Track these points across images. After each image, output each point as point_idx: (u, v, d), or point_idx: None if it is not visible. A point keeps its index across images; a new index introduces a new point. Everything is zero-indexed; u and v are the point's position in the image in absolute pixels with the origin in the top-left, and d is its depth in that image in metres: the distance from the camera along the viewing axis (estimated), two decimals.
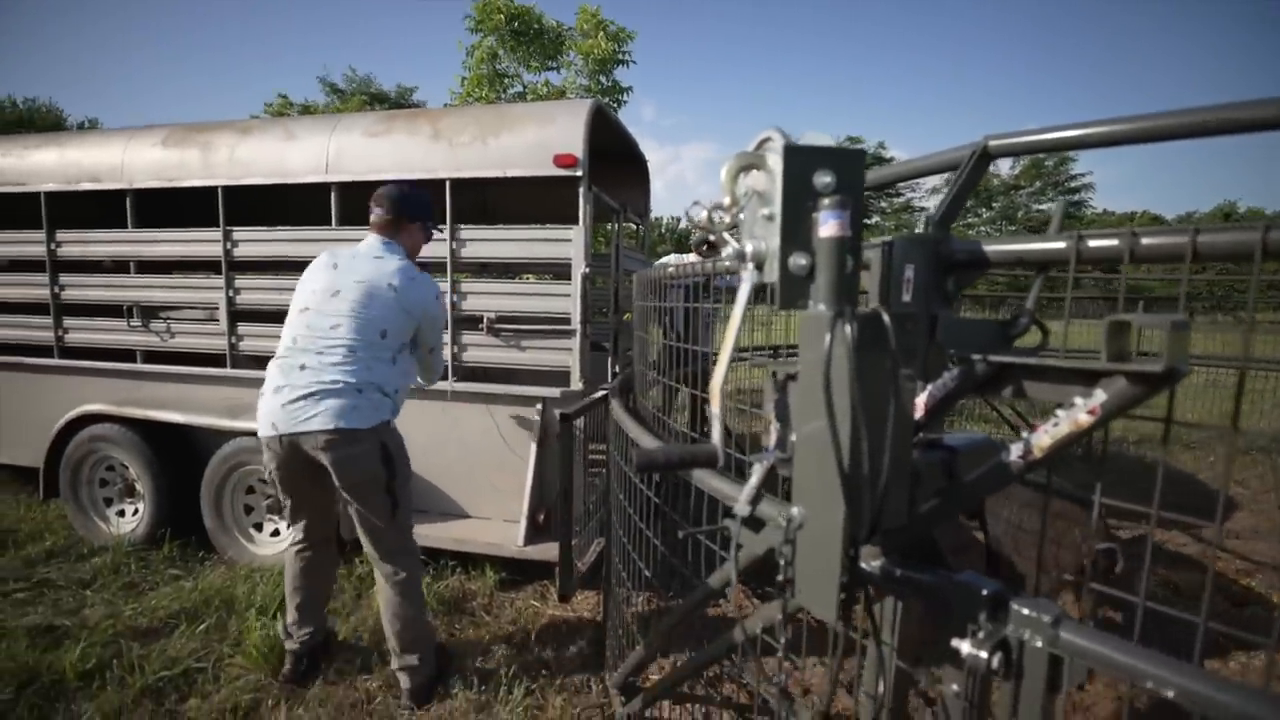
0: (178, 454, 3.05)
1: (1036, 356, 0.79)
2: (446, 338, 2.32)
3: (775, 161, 0.73)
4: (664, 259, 4.67)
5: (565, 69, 9.05)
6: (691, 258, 4.49)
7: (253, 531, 2.97)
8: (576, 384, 2.69)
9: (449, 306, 2.74)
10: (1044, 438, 0.72)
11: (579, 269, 2.61)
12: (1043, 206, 37.44)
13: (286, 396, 1.87)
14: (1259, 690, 0.58)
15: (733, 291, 1.57)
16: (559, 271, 2.70)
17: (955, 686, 0.80)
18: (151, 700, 1.99)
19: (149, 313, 3.20)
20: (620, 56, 8.76)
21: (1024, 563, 2.27)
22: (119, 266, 3.34)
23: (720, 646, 1.26)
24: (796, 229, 0.72)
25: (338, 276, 1.96)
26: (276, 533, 2.98)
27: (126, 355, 3.24)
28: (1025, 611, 0.70)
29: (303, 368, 1.89)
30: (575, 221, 2.63)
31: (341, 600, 2.60)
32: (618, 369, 2.99)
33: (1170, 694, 0.61)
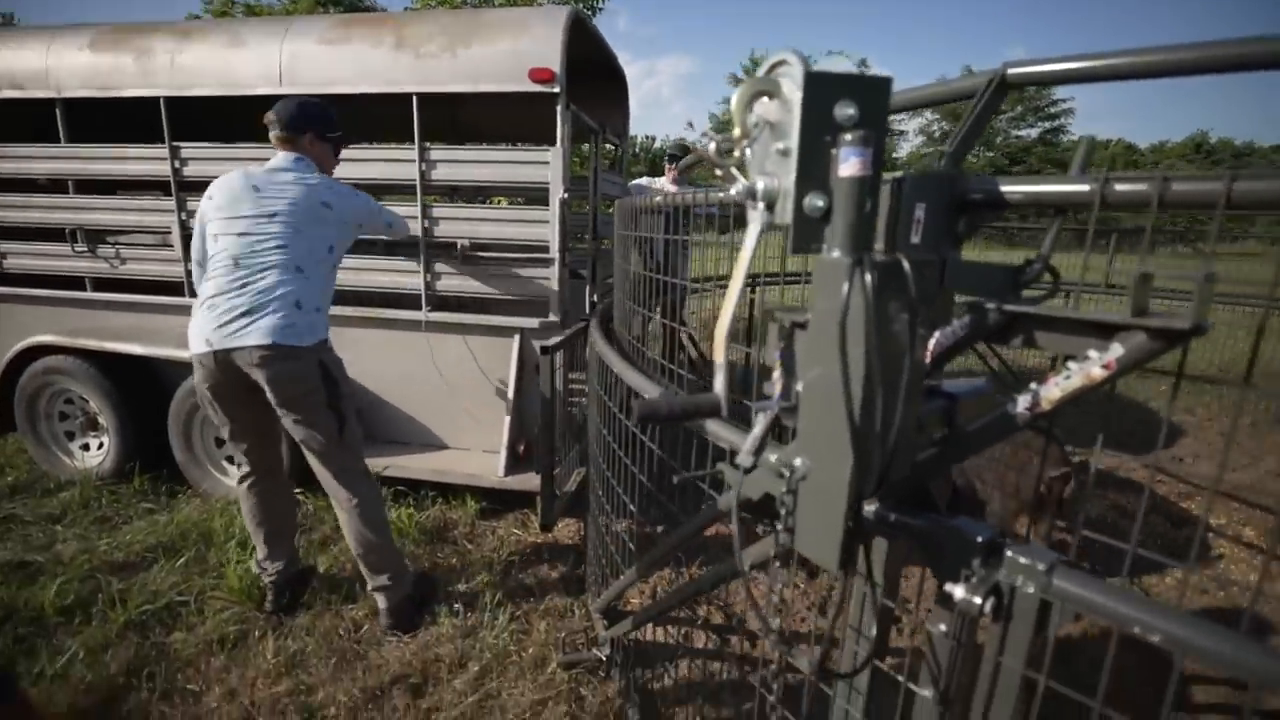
0: (140, 386, 2.93)
1: (1047, 305, 0.77)
2: (393, 217, 2.34)
3: (792, 90, 0.67)
4: (637, 181, 4.53)
5: None
6: (663, 181, 4.36)
7: (225, 464, 2.92)
8: (555, 314, 2.63)
9: (421, 231, 2.62)
10: (1054, 390, 0.71)
11: (557, 193, 2.49)
12: (1021, 133, 37.03)
13: (222, 310, 1.85)
14: (1236, 633, 0.60)
15: (711, 219, 1.53)
16: (535, 196, 2.58)
17: (944, 626, 0.82)
18: (136, 634, 2.00)
19: (95, 237, 2.99)
20: None
21: (985, 489, 2.37)
22: (57, 186, 3.09)
23: (708, 580, 1.29)
24: (814, 166, 0.67)
25: (266, 199, 1.93)
26: None
27: (75, 283, 3.05)
28: (1021, 559, 0.71)
29: (243, 286, 1.87)
30: (552, 142, 2.48)
31: (321, 533, 2.61)
32: (595, 298, 2.93)
33: (1155, 638, 0.62)
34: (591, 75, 3.32)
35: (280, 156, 2.02)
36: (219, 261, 1.91)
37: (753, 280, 3.13)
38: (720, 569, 1.23)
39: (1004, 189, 0.80)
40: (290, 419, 1.92)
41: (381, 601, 2.07)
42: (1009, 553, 0.72)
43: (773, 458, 0.91)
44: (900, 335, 0.66)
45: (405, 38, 2.51)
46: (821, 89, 0.65)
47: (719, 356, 0.73)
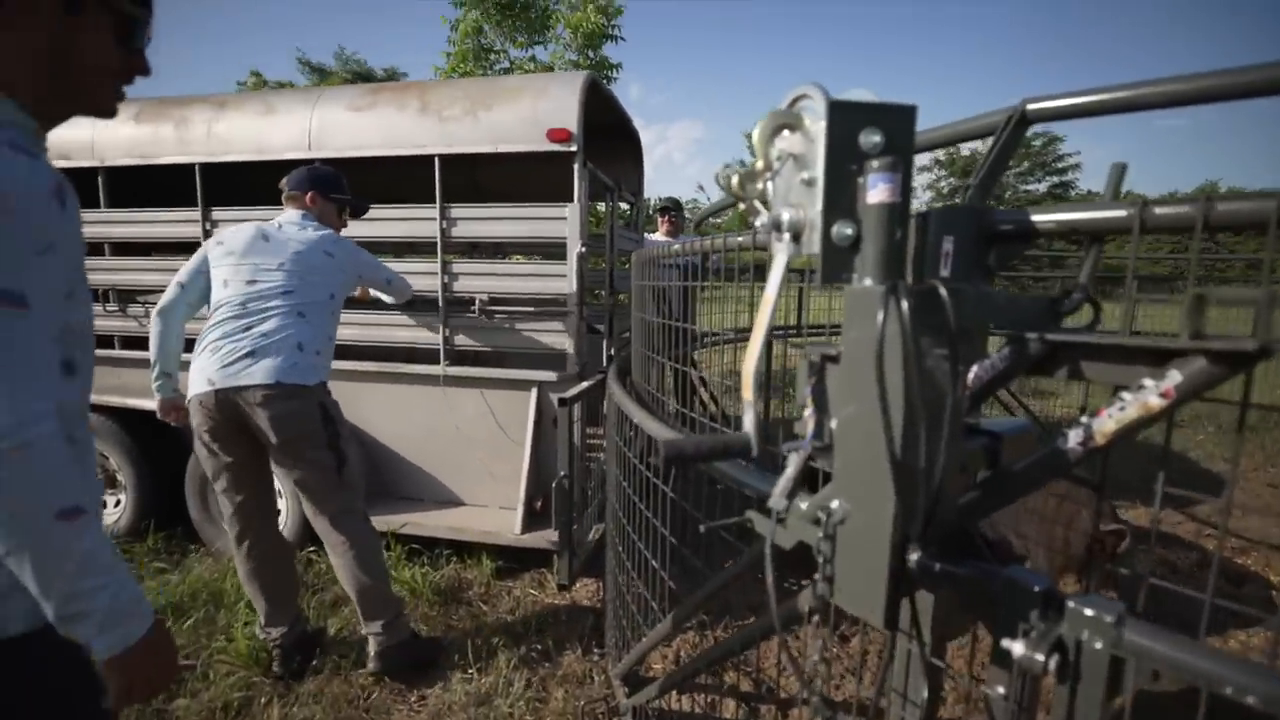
0: (159, 443, 2.94)
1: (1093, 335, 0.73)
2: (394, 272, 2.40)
3: (814, 121, 0.66)
4: (648, 236, 4.60)
5: (554, 43, 8.83)
6: (658, 235, 4.43)
7: None
8: (573, 367, 2.62)
9: (440, 287, 2.65)
10: (1108, 422, 0.66)
11: (574, 248, 2.53)
12: (1030, 187, 37.49)
13: (225, 351, 1.89)
14: None
15: (719, 273, 1.52)
16: (552, 251, 2.61)
17: (1001, 689, 0.75)
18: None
19: (126, 296, 3.07)
20: (609, 31, 8.54)
21: (1024, 543, 2.25)
22: (93, 249, 3.20)
23: (737, 641, 1.21)
24: (840, 195, 0.65)
25: (274, 248, 2.03)
26: None
27: (104, 341, 3.11)
28: (1086, 611, 0.65)
29: (246, 329, 1.92)
30: (570, 199, 2.54)
31: (332, 594, 2.53)
32: (612, 352, 2.92)
33: (1251, 700, 0.56)
34: (607, 136, 3.43)
35: (289, 212, 2.16)
36: (226, 308, 1.96)
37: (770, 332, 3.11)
38: (750, 630, 1.16)
39: (1035, 218, 0.77)
40: (289, 460, 1.93)
41: (372, 646, 2.04)
42: (1070, 604, 0.66)
43: (804, 505, 0.86)
44: (940, 364, 0.63)
45: (429, 103, 2.62)
46: (846, 117, 0.64)
47: (748, 393, 0.70)
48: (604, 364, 2.86)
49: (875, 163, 0.63)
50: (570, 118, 2.45)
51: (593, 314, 2.99)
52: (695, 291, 1.60)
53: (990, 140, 0.95)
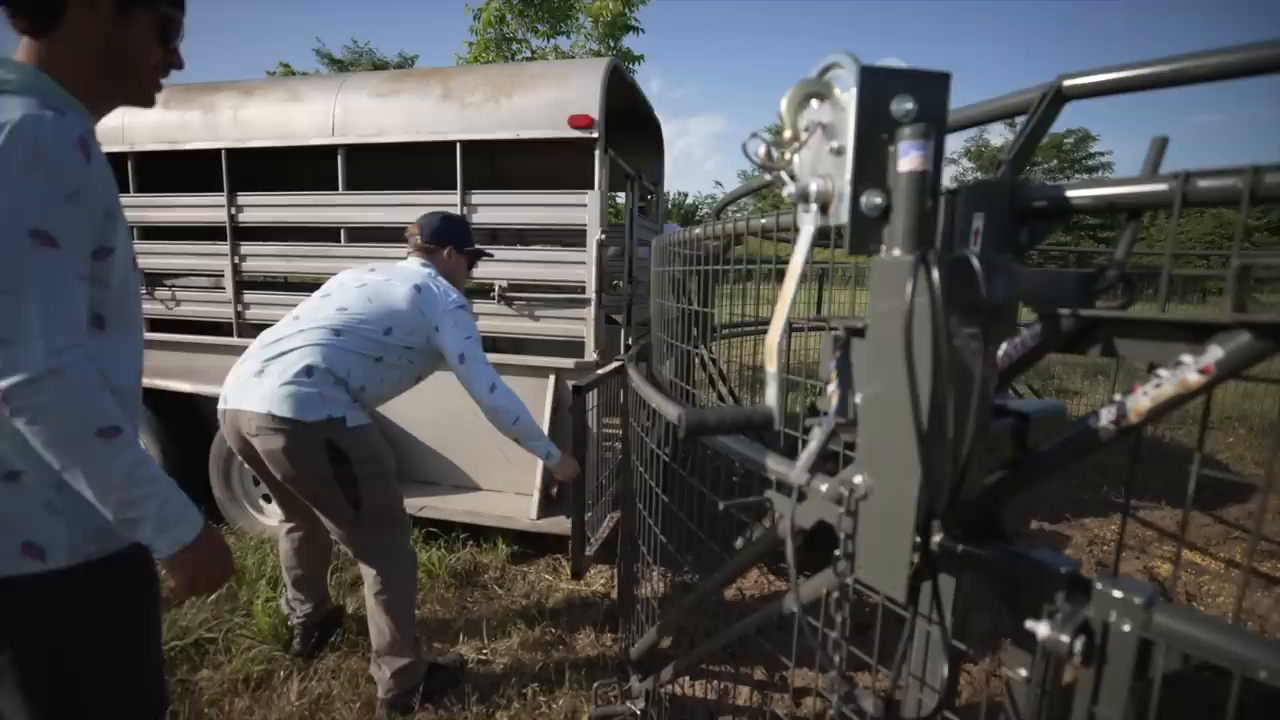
0: (185, 424, 3.00)
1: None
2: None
3: (844, 90, 0.65)
4: (669, 225, 4.58)
5: (575, 32, 8.81)
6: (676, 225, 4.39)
7: (262, 502, 2.94)
8: (591, 355, 2.62)
9: None
10: (1143, 400, 0.64)
11: (594, 235, 2.52)
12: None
13: (246, 365, 1.71)
14: None
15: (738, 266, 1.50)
16: (572, 239, 2.61)
17: (1024, 671, 0.74)
18: (165, 670, 1.96)
19: (154, 280, 3.13)
20: (630, 22, 8.51)
21: None
22: None
23: (752, 623, 1.21)
24: (870, 163, 0.64)
25: (368, 273, 1.89)
26: None
27: None
28: (1114, 593, 0.63)
29: (275, 340, 1.73)
30: (590, 186, 2.53)
31: (351, 573, 2.57)
32: (630, 341, 2.92)
33: None
34: (628, 125, 3.42)
35: (412, 261, 1.98)
36: (285, 320, 1.82)
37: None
38: (767, 610, 1.15)
39: (1070, 193, 0.75)
40: (301, 493, 1.74)
41: (381, 689, 1.82)
42: (1099, 585, 0.65)
43: (823, 488, 0.85)
44: (970, 339, 0.61)
45: (452, 89, 2.63)
46: (878, 83, 0.63)
47: (771, 365, 0.69)
48: (622, 353, 2.86)
49: (907, 130, 0.62)
50: (592, 103, 2.45)
51: (611, 303, 2.99)
52: (712, 279, 1.59)
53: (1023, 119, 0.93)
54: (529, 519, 2.60)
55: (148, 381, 2.92)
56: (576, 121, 2.45)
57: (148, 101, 0.98)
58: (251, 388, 1.65)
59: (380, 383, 1.80)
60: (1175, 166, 0.66)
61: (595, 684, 1.92)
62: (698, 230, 1.63)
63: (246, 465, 1.83)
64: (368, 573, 1.80)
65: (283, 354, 1.67)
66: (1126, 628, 0.63)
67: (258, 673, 1.96)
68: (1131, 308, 0.73)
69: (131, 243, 0.98)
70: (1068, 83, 0.90)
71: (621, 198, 4.10)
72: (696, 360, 3.18)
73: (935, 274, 0.58)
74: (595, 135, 2.46)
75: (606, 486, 2.76)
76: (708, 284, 1.87)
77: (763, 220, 1.31)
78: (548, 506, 2.64)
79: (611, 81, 2.55)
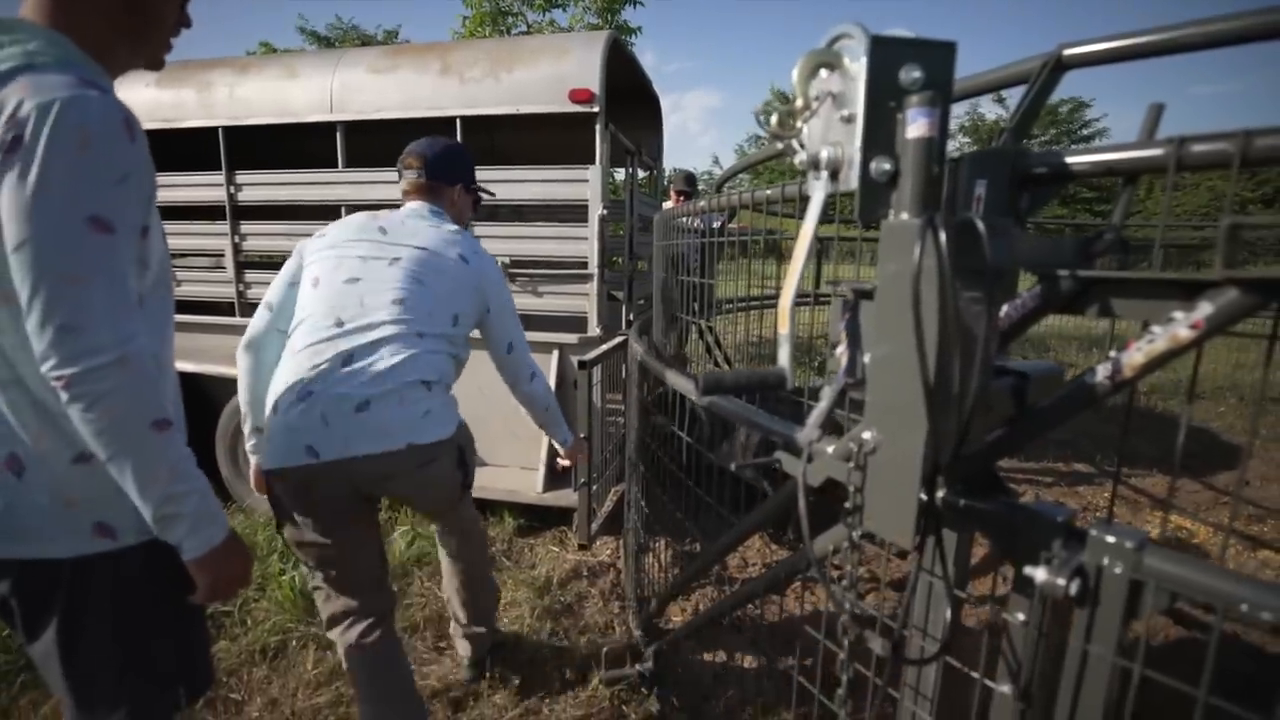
0: (190, 403, 3.01)
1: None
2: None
3: (854, 59, 0.67)
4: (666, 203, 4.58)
5: (573, 4, 8.68)
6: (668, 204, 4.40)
7: None
8: (594, 330, 2.65)
9: None
10: (1136, 355, 0.68)
11: (596, 210, 2.53)
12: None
13: (327, 399, 1.29)
14: None
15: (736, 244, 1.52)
16: (573, 215, 2.62)
17: (1022, 615, 0.78)
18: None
19: None
20: None
21: None
22: None
23: (760, 584, 1.25)
24: (879, 131, 0.66)
25: (390, 243, 1.47)
26: None
27: None
28: (1108, 539, 0.67)
29: (348, 359, 1.32)
30: (590, 162, 2.54)
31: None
32: (632, 316, 2.94)
33: (1266, 615, 0.58)
34: (627, 99, 3.40)
35: (416, 204, 1.57)
36: (313, 323, 1.37)
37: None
38: (774, 571, 1.20)
39: (1070, 159, 0.78)
40: (433, 512, 1.65)
41: (468, 649, 1.86)
42: (1093, 532, 0.69)
43: (829, 449, 0.89)
44: (975, 297, 0.64)
45: (450, 64, 2.61)
46: (887, 52, 0.65)
47: (784, 328, 0.72)
48: (623, 329, 2.89)
49: (915, 98, 0.64)
50: (592, 77, 2.44)
51: (612, 279, 3.01)
52: (714, 252, 1.62)
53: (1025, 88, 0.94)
54: (535, 493, 2.65)
55: None
56: (577, 96, 2.44)
57: (159, 63, 0.95)
58: (361, 426, 1.30)
59: (454, 377, 1.56)
60: (1169, 125, 0.68)
61: (605, 649, 1.98)
62: (701, 204, 1.64)
63: (313, 530, 1.36)
64: (455, 546, 1.75)
65: (379, 375, 1.32)
66: (1119, 570, 0.67)
67: (274, 643, 2.02)
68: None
69: (160, 220, 0.96)
70: (1068, 51, 0.92)
71: (621, 175, 4.09)
72: (694, 331, 3.22)
73: (942, 236, 0.61)
74: (596, 110, 2.45)
75: (611, 460, 2.80)
76: (708, 257, 1.89)
77: (766, 191, 1.34)
78: (553, 480, 2.68)
79: (611, 55, 2.54)
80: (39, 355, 0.76)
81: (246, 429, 1.50)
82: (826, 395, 0.74)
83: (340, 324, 1.36)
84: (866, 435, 0.72)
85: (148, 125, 2.99)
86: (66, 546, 0.87)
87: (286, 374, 1.35)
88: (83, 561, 0.88)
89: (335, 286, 1.40)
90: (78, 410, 0.78)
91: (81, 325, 0.76)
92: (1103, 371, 0.71)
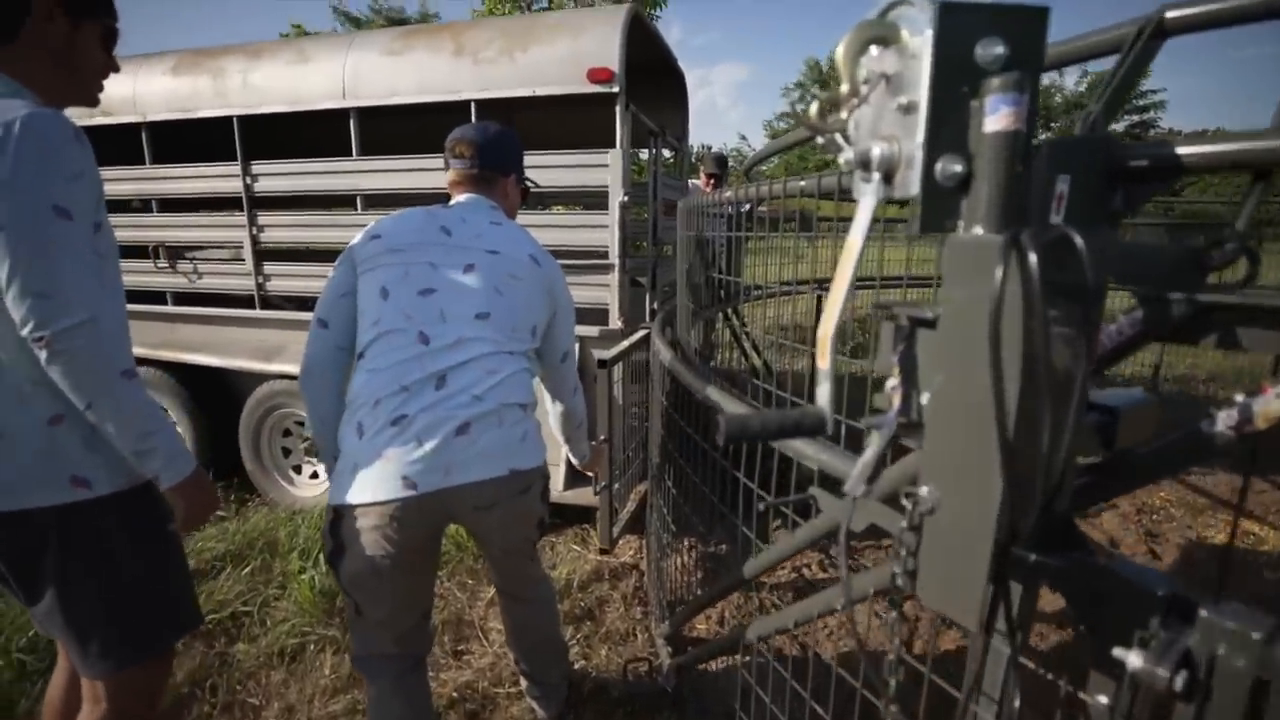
0: (214, 396, 3.02)
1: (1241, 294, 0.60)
2: None
3: (915, 33, 0.54)
4: (692, 181, 4.40)
5: None
6: (696, 182, 4.22)
7: (292, 474, 2.97)
8: (615, 322, 2.54)
9: None
10: (1274, 403, 0.54)
11: (616, 197, 2.41)
12: (1109, 128, 34.78)
13: (420, 425, 1.19)
14: None
15: (764, 222, 1.38)
16: (594, 201, 2.50)
17: (1104, 699, 0.66)
18: (202, 643, 2.01)
19: (175, 253, 3.11)
20: None
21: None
22: (143, 205, 3.24)
23: (793, 615, 1.15)
24: (948, 122, 0.53)
25: (457, 247, 1.34)
26: (315, 475, 2.97)
27: (156, 297, 3.17)
28: (1227, 623, 0.55)
29: (440, 380, 1.23)
30: (611, 145, 2.40)
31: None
32: (656, 305, 2.82)
33: None
34: (650, 77, 3.24)
35: (471, 198, 1.46)
36: (394, 338, 1.26)
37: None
38: (810, 603, 1.09)
39: (1180, 150, 0.64)
40: (499, 558, 1.49)
41: (546, 708, 1.66)
42: (1204, 612, 0.56)
43: (874, 494, 0.77)
44: (1071, 333, 0.51)
45: (464, 45, 2.49)
46: (960, 23, 0.52)
47: (824, 362, 0.60)
48: (647, 318, 2.77)
49: (996, 81, 0.51)
50: (612, 56, 2.30)
51: (635, 266, 2.89)
52: (741, 242, 1.49)
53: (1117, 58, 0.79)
54: (556, 491, 2.57)
55: (174, 355, 2.95)
56: (596, 75, 2.30)
57: (94, 101, 1.15)
58: (463, 451, 1.21)
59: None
60: (1225, 103, 0.53)
61: (626, 659, 1.90)
62: (729, 194, 1.51)
63: (389, 572, 1.22)
64: (530, 596, 1.58)
65: (477, 398, 1.24)
66: (1240, 664, 0.54)
67: (292, 646, 1.99)
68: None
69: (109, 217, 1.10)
70: (1171, 14, 0.76)
71: (645, 155, 3.94)
72: (719, 319, 3.08)
73: (1032, 258, 0.48)
74: (616, 90, 2.31)
75: (633, 458, 2.71)
76: (734, 248, 1.76)
77: (800, 182, 1.20)
78: (574, 478, 2.60)
79: (632, 31, 2.39)
80: (19, 321, 0.91)
81: (327, 463, 1.36)
82: (875, 442, 0.62)
83: (425, 340, 1.25)
84: (923, 491, 0.60)
85: (165, 115, 2.94)
86: (44, 497, 1.00)
87: (368, 394, 1.23)
88: (63, 510, 1.01)
89: (410, 298, 1.28)
90: (58, 365, 0.93)
91: (53, 292, 0.91)
92: (1225, 420, 0.57)
